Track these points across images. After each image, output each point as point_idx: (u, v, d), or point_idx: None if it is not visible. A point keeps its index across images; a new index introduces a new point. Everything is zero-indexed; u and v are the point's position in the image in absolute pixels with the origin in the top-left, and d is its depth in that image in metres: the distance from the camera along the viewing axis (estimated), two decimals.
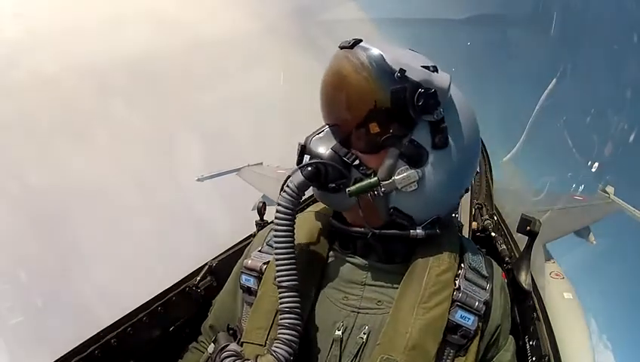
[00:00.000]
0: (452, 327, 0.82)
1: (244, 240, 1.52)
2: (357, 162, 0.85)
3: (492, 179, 2.99)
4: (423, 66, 0.83)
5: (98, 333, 1.11)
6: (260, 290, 0.93)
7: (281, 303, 0.82)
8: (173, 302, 1.32)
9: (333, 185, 0.86)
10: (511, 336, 0.96)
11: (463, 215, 2.22)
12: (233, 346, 0.86)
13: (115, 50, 11.07)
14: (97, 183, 8.96)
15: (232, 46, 13.57)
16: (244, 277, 0.98)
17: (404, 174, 0.83)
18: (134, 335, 1.18)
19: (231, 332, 0.97)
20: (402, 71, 0.79)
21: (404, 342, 0.79)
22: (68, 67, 10.14)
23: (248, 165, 7.32)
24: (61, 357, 1.02)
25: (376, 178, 0.84)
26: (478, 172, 3.14)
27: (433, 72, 0.84)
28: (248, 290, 0.97)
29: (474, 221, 2.34)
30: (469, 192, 2.49)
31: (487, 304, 0.86)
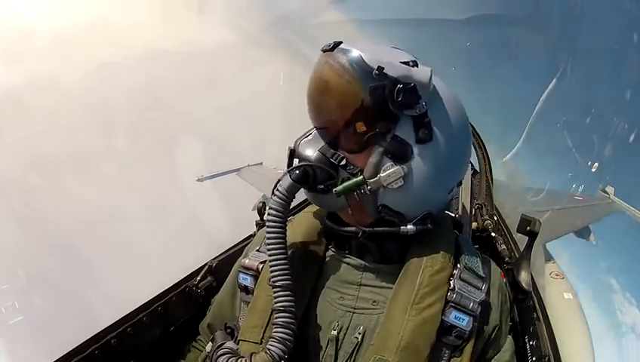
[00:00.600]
0: (446, 328, 0.82)
1: (244, 240, 1.53)
2: (344, 162, 0.85)
3: (492, 179, 2.99)
4: (402, 62, 0.83)
5: (98, 333, 1.11)
6: (256, 289, 0.94)
7: (275, 302, 0.83)
8: (173, 302, 1.32)
9: (322, 186, 0.87)
10: (510, 337, 0.96)
11: (463, 215, 2.21)
12: (229, 344, 0.87)
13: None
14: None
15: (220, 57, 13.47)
16: (241, 276, 0.99)
17: (390, 171, 0.83)
18: (134, 335, 1.18)
19: (228, 330, 0.98)
20: (380, 68, 0.79)
21: (396, 342, 0.79)
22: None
23: (248, 165, 7.33)
24: (61, 357, 1.02)
25: (362, 176, 0.84)
26: (477, 172, 3.15)
27: (413, 66, 0.83)
28: (245, 289, 0.98)
29: (474, 221, 2.34)
30: (470, 192, 2.48)
31: (483, 304, 0.86)
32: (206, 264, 1.44)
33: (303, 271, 0.92)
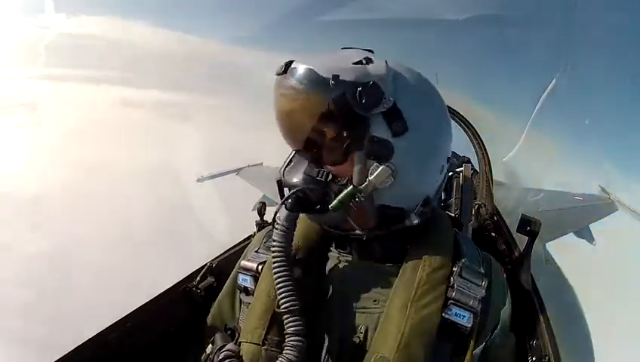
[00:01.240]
0: (447, 325, 0.82)
1: (244, 241, 1.53)
2: (330, 177, 0.86)
3: (492, 179, 2.99)
4: (354, 63, 0.83)
5: (98, 334, 1.11)
6: (256, 290, 0.94)
7: (286, 326, 0.82)
8: (173, 303, 1.32)
9: (318, 206, 0.87)
10: (512, 333, 0.96)
11: (463, 215, 2.22)
12: (230, 346, 0.87)
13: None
14: None
15: None
16: (241, 277, 0.99)
17: (377, 172, 0.83)
18: (135, 336, 1.18)
19: (229, 332, 0.98)
20: (335, 77, 0.79)
21: (396, 340, 0.79)
22: None
23: (248, 165, 7.32)
24: (62, 357, 1.02)
25: (352, 186, 0.85)
26: (477, 172, 3.14)
27: (367, 64, 0.84)
28: (245, 290, 0.98)
29: (474, 221, 2.34)
30: (470, 192, 2.48)
31: (484, 301, 0.86)
32: (206, 264, 1.44)
33: (305, 272, 0.92)
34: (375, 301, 0.89)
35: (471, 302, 0.84)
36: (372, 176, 0.84)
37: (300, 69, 0.82)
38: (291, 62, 0.84)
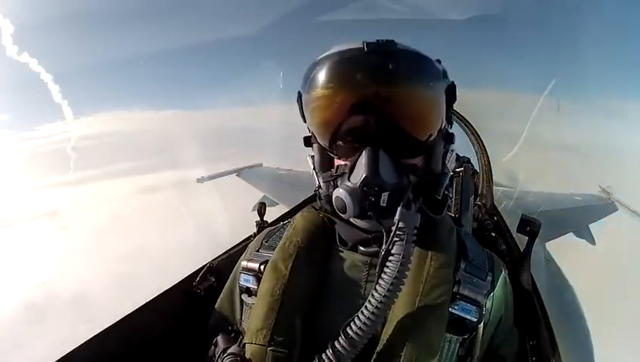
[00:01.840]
0: (454, 320, 0.82)
1: (244, 241, 1.53)
2: (410, 170, 0.84)
3: (492, 179, 2.99)
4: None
5: (99, 334, 1.11)
6: (259, 290, 0.92)
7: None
8: (174, 303, 1.32)
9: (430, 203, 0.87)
10: (515, 328, 0.97)
11: (464, 215, 2.22)
12: (234, 349, 0.86)
13: None
14: None
15: None
16: (243, 277, 0.98)
17: (452, 157, 0.89)
18: (135, 336, 1.18)
19: (232, 334, 0.97)
20: (445, 71, 0.85)
21: (405, 336, 0.79)
22: None
23: (248, 166, 7.31)
24: (62, 357, 1.02)
25: (443, 175, 0.89)
26: (477, 172, 3.15)
27: None
28: (248, 291, 0.97)
29: (474, 221, 2.35)
30: (470, 192, 2.48)
31: (489, 296, 0.87)
32: (206, 264, 1.44)
33: (309, 270, 0.91)
34: None
35: (477, 297, 0.85)
36: (449, 163, 0.87)
37: (417, 56, 0.81)
38: (386, 42, 0.78)
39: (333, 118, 0.81)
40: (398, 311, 0.82)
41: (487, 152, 3.11)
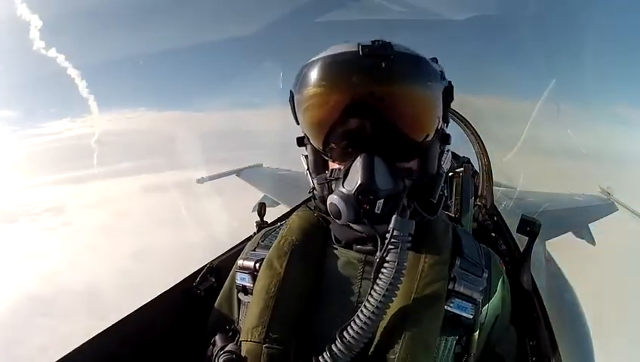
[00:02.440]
0: (450, 317, 0.82)
1: (244, 241, 1.53)
2: (405, 173, 0.84)
3: (492, 180, 2.99)
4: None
5: (99, 334, 1.11)
6: (255, 288, 0.92)
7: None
8: (174, 303, 1.32)
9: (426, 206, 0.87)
10: (512, 326, 0.96)
11: (463, 215, 2.22)
12: (231, 347, 0.86)
13: None
14: None
15: None
16: (239, 276, 0.98)
17: (448, 157, 0.88)
18: (136, 336, 1.18)
19: (230, 333, 0.97)
20: (442, 71, 0.83)
21: (401, 333, 0.78)
22: None
23: (248, 166, 7.31)
24: (62, 357, 1.02)
25: (438, 175, 0.87)
26: (477, 172, 3.14)
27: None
28: (244, 289, 0.97)
29: (474, 221, 2.35)
30: (470, 193, 2.48)
31: (485, 292, 0.86)
32: (206, 265, 1.44)
33: (304, 267, 0.91)
34: None
35: (472, 294, 0.84)
36: (444, 164, 0.86)
37: (412, 57, 0.79)
38: (382, 45, 0.76)
39: (326, 120, 0.80)
40: (394, 308, 0.82)
41: (487, 152, 3.11)
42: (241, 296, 0.99)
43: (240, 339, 0.88)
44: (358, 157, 0.78)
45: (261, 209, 1.50)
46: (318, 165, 0.91)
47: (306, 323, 0.87)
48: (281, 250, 0.93)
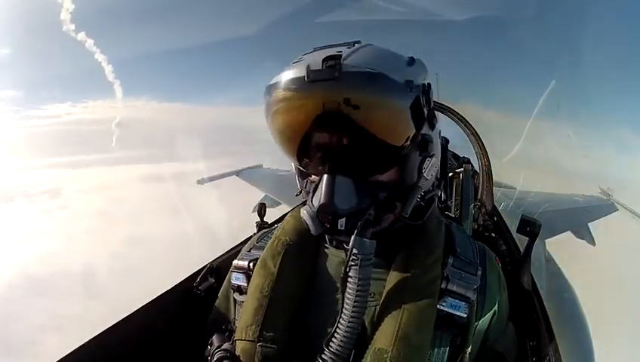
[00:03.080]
0: (443, 316, 0.82)
1: (244, 242, 1.53)
2: (378, 186, 0.82)
3: (492, 180, 2.99)
4: (408, 63, 0.81)
5: (99, 335, 1.11)
6: (249, 288, 0.93)
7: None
8: (174, 303, 1.33)
9: (392, 219, 0.86)
10: (510, 322, 0.96)
11: (463, 215, 2.22)
12: (226, 346, 0.87)
13: None
14: None
15: None
16: (234, 276, 1.00)
17: (429, 165, 0.85)
18: (136, 337, 1.19)
19: (227, 333, 0.98)
20: (409, 83, 0.76)
21: (394, 333, 0.78)
22: None
23: (248, 167, 7.32)
24: (62, 358, 1.02)
25: (416, 186, 0.85)
26: (477, 172, 3.15)
27: (412, 64, 0.82)
28: (239, 289, 0.98)
29: (474, 221, 2.35)
30: (470, 193, 2.49)
31: (479, 290, 0.86)
32: (206, 265, 1.44)
33: (298, 268, 0.92)
34: (371, 294, 0.87)
35: (466, 292, 0.84)
36: (426, 171, 0.85)
37: (365, 74, 0.72)
38: (333, 59, 0.72)
39: (292, 138, 0.81)
40: (385, 309, 0.82)
41: (487, 153, 3.11)
42: (236, 295, 1.00)
43: (234, 338, 0.88)
44: (323, 177, 0.79)
45: (261, 209, 1.50)
46: (300, 173, 0.92)
47: (299, 322, 0.87)
48: (274, 250, 0.94)
